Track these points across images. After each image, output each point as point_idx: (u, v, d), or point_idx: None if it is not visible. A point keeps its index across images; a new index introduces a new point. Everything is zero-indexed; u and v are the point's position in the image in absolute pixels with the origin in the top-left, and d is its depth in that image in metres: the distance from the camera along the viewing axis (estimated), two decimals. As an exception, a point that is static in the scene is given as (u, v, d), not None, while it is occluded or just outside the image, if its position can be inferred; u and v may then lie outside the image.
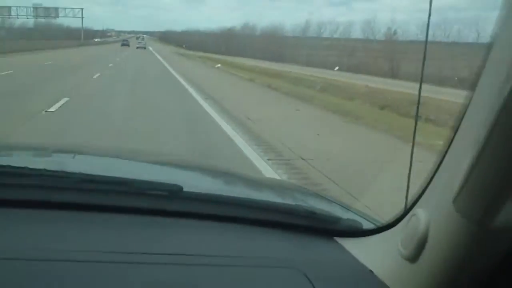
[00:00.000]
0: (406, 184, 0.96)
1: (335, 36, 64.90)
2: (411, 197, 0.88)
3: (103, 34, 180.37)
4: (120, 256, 0.90)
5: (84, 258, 0.87)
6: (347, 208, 1.33)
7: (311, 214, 1.10)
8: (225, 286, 0.88)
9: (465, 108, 0.72)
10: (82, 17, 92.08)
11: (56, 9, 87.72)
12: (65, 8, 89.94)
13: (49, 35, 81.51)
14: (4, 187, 1.05)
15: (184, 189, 1.08)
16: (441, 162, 0.78)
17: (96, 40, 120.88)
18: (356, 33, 63.48)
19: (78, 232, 0.99)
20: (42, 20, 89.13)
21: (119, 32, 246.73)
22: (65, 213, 1.04)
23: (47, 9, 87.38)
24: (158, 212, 1.06)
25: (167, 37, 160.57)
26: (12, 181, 1.05)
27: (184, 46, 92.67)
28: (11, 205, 1.03)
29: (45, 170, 1.09)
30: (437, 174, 0.80)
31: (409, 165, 0.96)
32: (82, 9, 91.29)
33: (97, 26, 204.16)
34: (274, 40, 74.18)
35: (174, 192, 1.07)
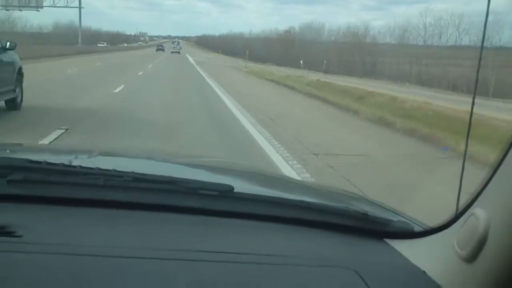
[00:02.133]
0: None
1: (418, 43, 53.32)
2: (465, 198, 0.88)
3: (136, 39, 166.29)
4: (172, 253, 0.93)
5: (137, 255, 0.90)
6: (394, 211, 1.30)
7: (364, 216, 1.10)
8: (279, 284, 0.90)
9: None
10: (80, 8, 56.58)
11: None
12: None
13: (66, 41, 70.53)
14: (58, 186, 1.07)
15: (235, 190, 1.09)
16: (501, 160, 0.78)
17: (124, 45, 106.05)
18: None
19: (130, 230, 1.02)
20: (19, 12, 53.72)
21: (153, 37, 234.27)
22: (118, 211, 1.07)
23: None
24: (208, 211, 1.08)
25: (204, 42, 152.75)
26: (65, 179, 1.08)
27: (219, 51, 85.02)
28: (65, 203, 1.06)
29: (98, 169, 1.11)
30: (497, 173, 0.79)
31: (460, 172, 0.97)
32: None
33: (131, 31, 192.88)
34: (353, 47, 57.24)
35: (225, 192, 1.09)
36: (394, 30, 59.10)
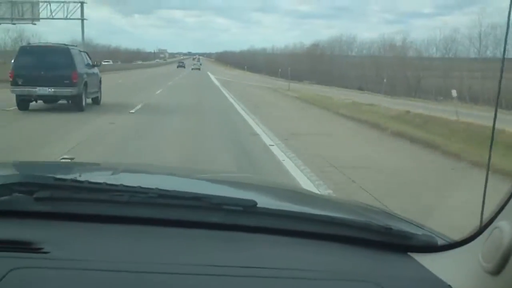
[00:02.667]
0: None
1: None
2: (489, 212, 0.89)
3: (156, 56, 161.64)
4: (198, 269, 0.94)
5: (163, 270, 0.93)
6: (417, 225, 1.29)
7: (387, 230, 1.10)
8: None
9: None
10: (83, 20, 41.46)
11: (34, 3, 38.96)
12: (49, 2, 39.33)
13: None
14: (84, 203, 1.10)
15: (258, 205, 1.10)
16: None
17: (138, 62, 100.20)
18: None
19: (155, 245, 1.04)
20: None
21: (174, 54, 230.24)
22: (143, 227, 1.08)
23: (14, 3, 38.16)
24: (233, 227, 1.09)
25: (224, 58, 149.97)
26: (91, 196, 1.10)
27: (244, 68, 74.58)
28: (91, 220, 1.07)
29: (122, 185, 1.13)
30: None
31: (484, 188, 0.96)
32: (82, 2, 40.44)
33: (151, 48, 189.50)
34: (394, 60, 50.09)
35: (248, 207, 1.10)
36: (439, 42, 50.83)
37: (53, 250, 0.94)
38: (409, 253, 1.08)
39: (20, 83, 12.01)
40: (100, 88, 14.66)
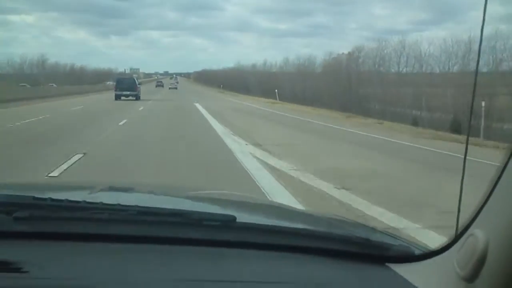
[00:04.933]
0: None
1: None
2: (463, 220, 0.92)
3: (129, 76, 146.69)
4: (178, 285, 0.97)
5: None
6: (394, 236, 1.33)
7: (365, 241, 1.14)
8: None
9: None
10: None
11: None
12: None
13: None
14: (63, 222, 1.11)
15: (237, 220, 1.13)
16: (497, 181, 0.82)
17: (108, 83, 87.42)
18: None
19: (135, 263, 1.06)
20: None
21: (151, 74, 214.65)
22: (123, 245, 1.11)
23: None
24: (213, 242, 1.13)
25: (204, 77, 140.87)
26: (70, 215, 1.12)
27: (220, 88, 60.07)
28: (71, 239, 1.10)
29: (101, 203, 1.15)
30: (494, 193, 0.84)
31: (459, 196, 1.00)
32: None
33: (127, 69, 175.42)
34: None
35: (228, 222, 1.13)
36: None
37: (32, 270, 0.95)
38: (387, 264, 1.11)
39: (117, 90, 35.58)
40: (140, 92, 37.32)
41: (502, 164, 0.82)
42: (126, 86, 35.14)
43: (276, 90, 41.03)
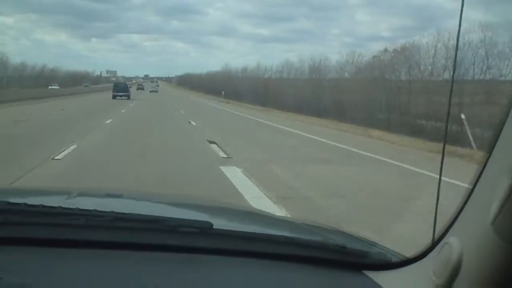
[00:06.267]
0: None
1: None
2: (439, 228, 0.93)
3: (107, 79, 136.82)
4: None
5: None
6: (371, 243, 1.34)
7: (342, 248, 1.15)
8: None
9: (498, 132, 0.78)
10: None
11: None
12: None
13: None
14: (38, 227, 1.11)
15: (214, 226, 1.14)
16: (472, 190, 0.84)
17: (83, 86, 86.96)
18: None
19: (111, 269, 1.07)
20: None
21: (131, 78, 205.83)
22: (99, 251, 1.11)
23: None
24: (189, 249, 1.13)
25: (187, 82, 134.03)
26: (45, 220, 1.12)
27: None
28: (46, 244, 1.10)
29: (78, 209, 1.15)
30: (469, 201, 0.85)
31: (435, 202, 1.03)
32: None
33: (103, 71, 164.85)
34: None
35: (204, 229, 1.13)
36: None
37: (6, 276, 0.94)
38: (363, 271, 1.12)
39: (114, 91, 48.01)
40: (130, 92, 50.39)
41: (477, 172, 0.82)
42: (121, 89, 49.32)
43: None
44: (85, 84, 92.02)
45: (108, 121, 19.50)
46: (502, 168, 0.73)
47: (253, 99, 49.57)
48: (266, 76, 61.55)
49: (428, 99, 28.54)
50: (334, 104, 35.79)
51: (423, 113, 28.14)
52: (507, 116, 0.74)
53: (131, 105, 35.68)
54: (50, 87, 64.15)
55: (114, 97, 46.83)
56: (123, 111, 27.96)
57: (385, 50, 35.87)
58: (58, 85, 68.38)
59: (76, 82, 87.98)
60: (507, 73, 27.48)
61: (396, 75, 32.79)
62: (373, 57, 37.93)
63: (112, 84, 58.02)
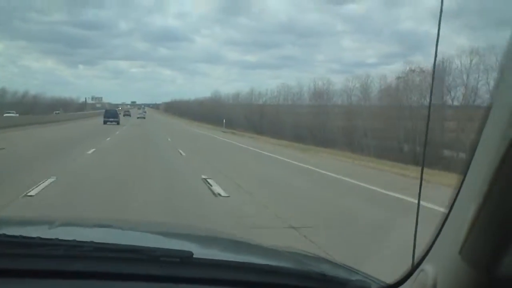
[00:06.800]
0: None
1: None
2: (418, 254, 0.94)
3: (92, 106, 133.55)
4: None
5: None
6: (353, 270, 1.35)
7: (322, 277, 1.16)
8: None
9: (468, 163, 0.78)
10: None
11: None
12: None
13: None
14: (17, 258, 1.10)
15: (195, 256, 1.14)
16: (447, 217, 0.84)
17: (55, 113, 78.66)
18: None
19: None
20: None
21: (118, 105, 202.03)
22: (79, 282, 1.10)
23: None
24: (170, 278, 1.12)
25: (174, 108, 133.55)
26: (24, 251, 1.11)
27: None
28: (25, 275, 1.09)
29: (57, 239, 1.13)
30: (443, 229, 0.85)
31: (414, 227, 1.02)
32: None
33: (89, 98, 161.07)
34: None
35: (185, 258, 1.13)
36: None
37: None
38: None
39: (105, 117, 51.26)
40: (119, 118, 53.29)
41: (451, 199, 0.83)
42: (111, 115, 53.02)
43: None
44: (57, 111, 77.43)
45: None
46: (474, 193, 0.72)
47: (266, 129, 42.72)
48: (260, 102, 58.88)
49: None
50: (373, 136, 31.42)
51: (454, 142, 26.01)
52: (476, 144, 0.74)
53: (117, 132, 30.70)
54: (5, 114, 52.16)
55: (105, 122, 51.23)
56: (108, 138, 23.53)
57: (411, 70, 31.86)
58: (16, 112, 57.76)
59: (53, 109, 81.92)
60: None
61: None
62: (397, 78, 33.55)
63: (97, 111, 68.16)
